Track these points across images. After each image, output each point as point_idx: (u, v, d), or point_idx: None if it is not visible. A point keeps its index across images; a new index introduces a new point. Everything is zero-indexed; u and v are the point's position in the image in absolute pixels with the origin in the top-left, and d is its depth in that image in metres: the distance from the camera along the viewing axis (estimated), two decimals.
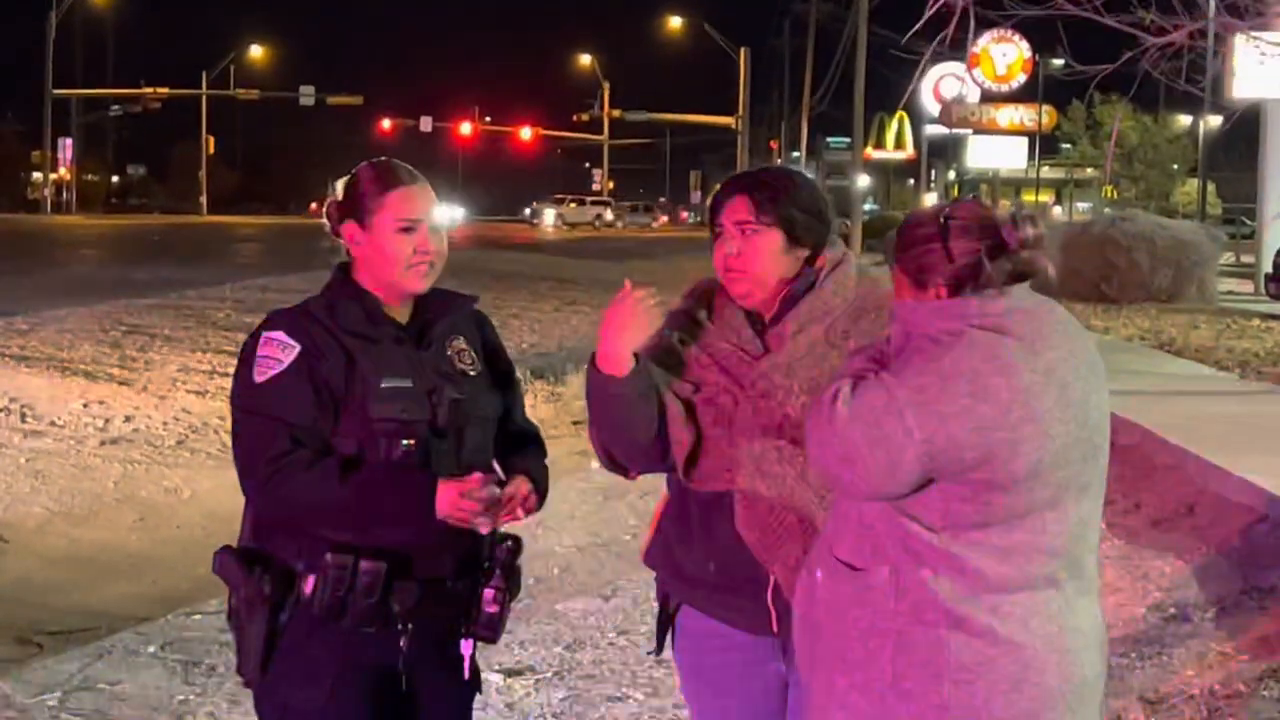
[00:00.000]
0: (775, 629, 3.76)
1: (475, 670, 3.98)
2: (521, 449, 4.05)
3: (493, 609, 3.89)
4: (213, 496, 11.79)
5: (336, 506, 3.64)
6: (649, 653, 4.36)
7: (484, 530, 3.78)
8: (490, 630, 3.92)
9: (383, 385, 3.72)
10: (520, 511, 3.85)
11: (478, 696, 4.08)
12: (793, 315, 3.77)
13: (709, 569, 3.82)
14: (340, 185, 3.95)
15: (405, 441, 3.73)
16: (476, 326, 4.05)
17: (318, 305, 3.82)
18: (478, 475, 3.75)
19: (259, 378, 3.69)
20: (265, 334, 3.74)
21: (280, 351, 3.69)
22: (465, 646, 3.92)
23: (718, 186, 4.00)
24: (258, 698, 3.87)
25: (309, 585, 3.69)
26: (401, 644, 3.78)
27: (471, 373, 3.92)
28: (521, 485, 3.87)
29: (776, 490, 3.68)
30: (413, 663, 3.82)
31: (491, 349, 4.06)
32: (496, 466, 3.91)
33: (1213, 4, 12.06)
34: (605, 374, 3.70)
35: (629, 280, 3.72)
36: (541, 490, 3.96)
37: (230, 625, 3.88)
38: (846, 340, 3.71)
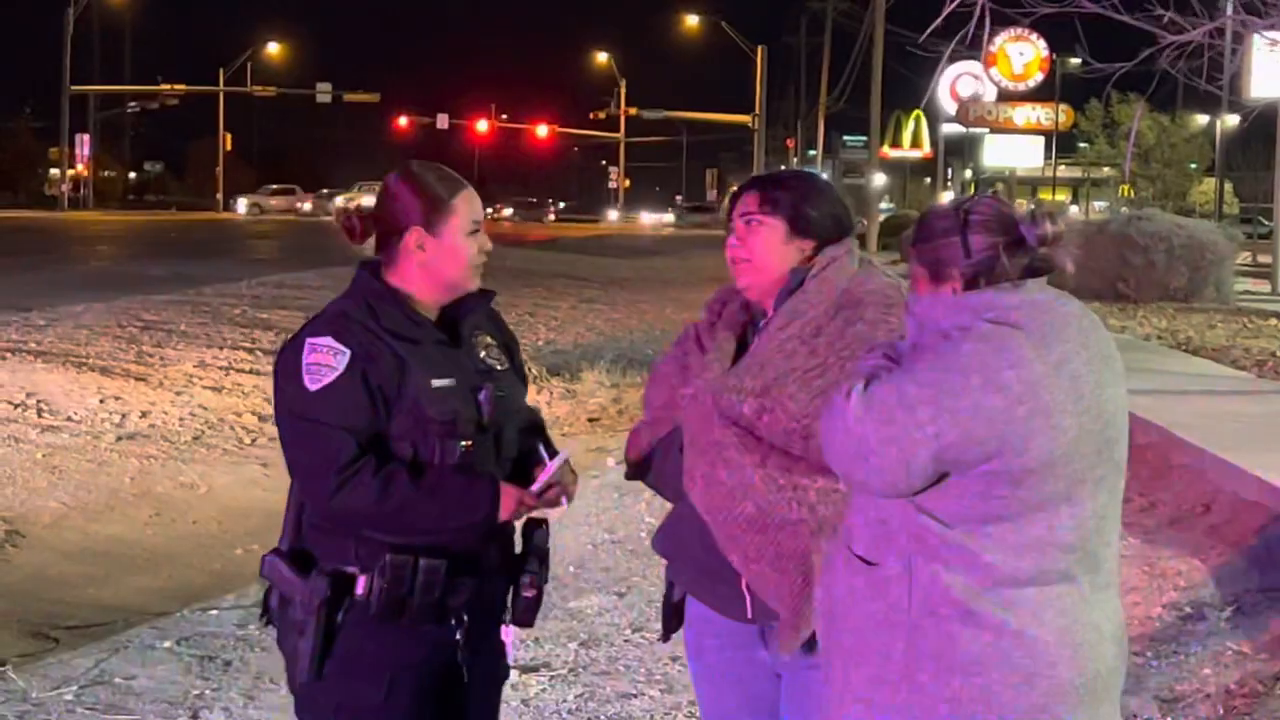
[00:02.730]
0: (750, 615, 3.79)
1: (512, 655, 4.06)
2: (541, 435, 4.08)
3: (530, 594, 3.95)
4: (228, 492, 11.83)
5: (406, 515, 3.68)
6: (647, 643, 4.40)
7: (555, 515, 3.94)
8: (529, 615, 3.98)
9: (433, 385, 3.74)
10: (565, 500, 3.94)
11: None
12: (779, 315, 3.80)
13: (696, 552, 3.86)
14: (375, 193, 3.96)
15: (462, 443, 3.76)
16: (493, 321, 4.07)
17: (354, 307, 3.81)
18: (537, 484, 3.87)
19: (313, 385, 3.67)
20: (310, 340, 3.73)
21: (331, 358, 3.69)
22: (506, 633, 3.98)
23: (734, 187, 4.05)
24: (305, 701, 3.85)
25: (361, 586, 3.71)
26: (457, 638, 3.82)
27: (500, 368, 3.96)
28: (568, 472, 3.96)
29: (736, 479, 3.70)
30: (466, 655, 3.86)
31: (511, 343, 4.10)
32: (542, 450, 3.96)
33: (1230, 3, 12.02)
34: None
35: None
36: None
37: (277, 628, 3.87)
38: (817, 336, 3.73)
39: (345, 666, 3.74)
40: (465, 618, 3.83)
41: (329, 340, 3.71)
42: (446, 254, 3.83)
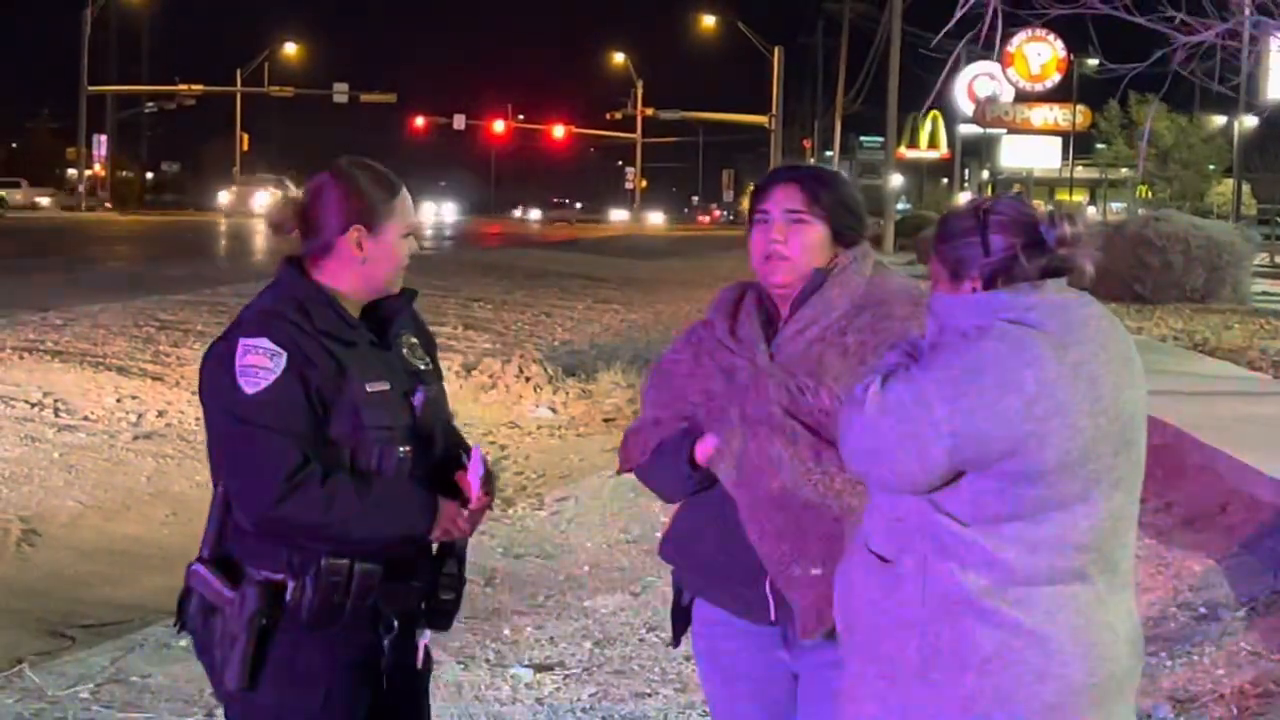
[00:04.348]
0: (773, 617, 3.77)
1: (428, 656, 3.97)
2: (459, 444, 4.03)
3: (448, 598, 3.90)
4: None
5: (348, 527, 3.61)
6: (661, 643, 4.39)
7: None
8: (445, 620, 3.93)
9: (368, 390, 3.67)
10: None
11: (506, 690, 4.11)
12: (796, 318, 3.79)
13: (711, 556, 3.85)
14: (302, 189, 3.87)
15: (401, 449, 3.71)
16: (414, 320, 4.00)
17: (286, 307, 3.71)
18: (475, 499, 3.81)
19: (250, 389, 3.57)
20: (244, 340, 3.63)
21: (268, 359, 3.59)
22: (422, 636, 3.91)
23: (762, 177, 3.99)
24: (239, 710, 3.78)
25: (290, 592, 3.64)
26: (385, 643, 3.77)
27: (424, 368, 3.90)
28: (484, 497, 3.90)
29: (765, 457, 3.69)
30: (390, 661, 3.82)
31: (430, 343, 4.03)
32: (464, 458, 3.88)
33: (1248, 5, 11.98)
34: (698, 467, 3.81)
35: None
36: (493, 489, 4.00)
37: (197, 638, 3.81)
38: (843, 335, 3.73)
39: (280, 675, 3.66)
40: (395, 624, 3.78)
41: (265, 341, 3.61)
42: (384, 255, 3.77)
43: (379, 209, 3.77)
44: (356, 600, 3.65)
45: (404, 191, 3.84)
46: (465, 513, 3.79)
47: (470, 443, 4.04)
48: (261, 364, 3.59)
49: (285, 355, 3.60)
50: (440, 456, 3.88)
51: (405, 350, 3.87)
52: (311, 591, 3.62)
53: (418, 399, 3.77)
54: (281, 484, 3.55)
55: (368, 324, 3.80)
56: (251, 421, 3.58)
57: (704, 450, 3.78)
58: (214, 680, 3.78)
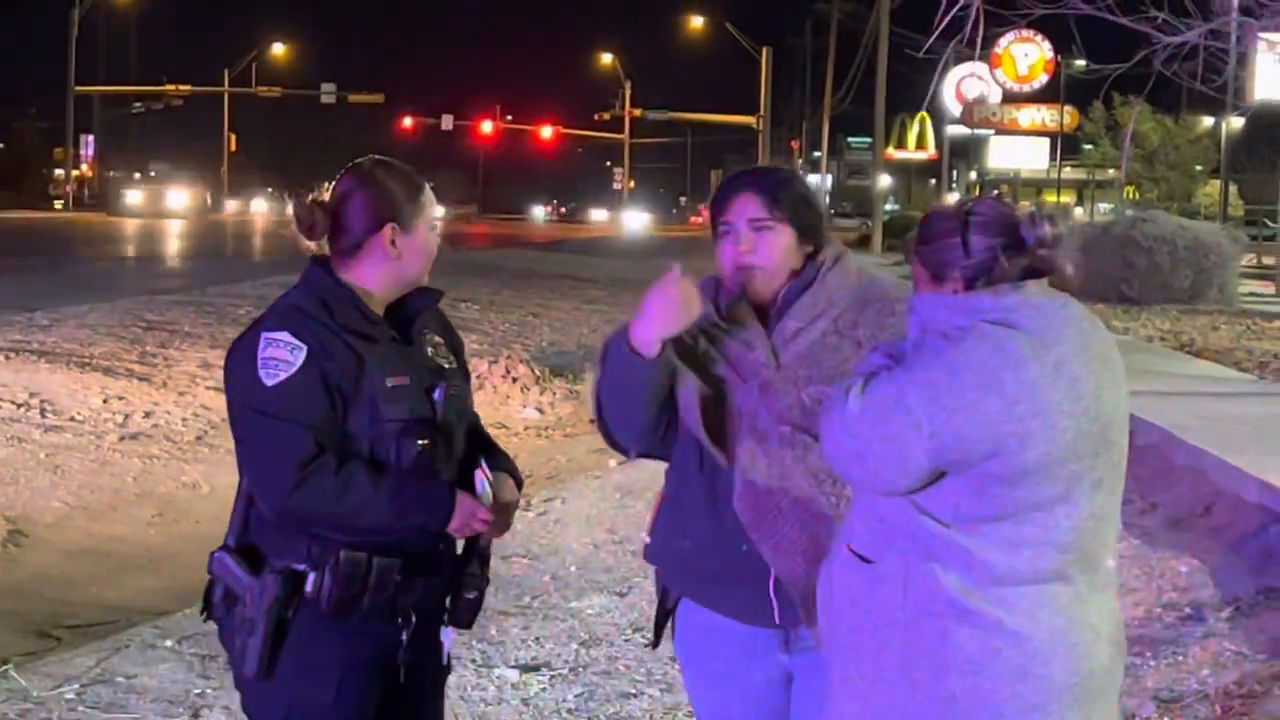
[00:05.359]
0: (778, 620, 3.77)
1: (449, 655, 4.03)
2: (487, 445, 4.07)
3: (471, 595, 3.94)
4: (230, 492, 11.60)
5: (363, 516, 3.65)
6: (647, 644, 4.38)
7: (493, 536, 3.92)
8: (469, 617, 3.97)
9: (389, 384, 3.72)
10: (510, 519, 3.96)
11: (492, 691, 4.12)
12: (795, 312, 3.78)
13: (704, 559, 3.84)
14: (331, 187, 3.90)
15: (420, 442, 3.75)
16: (440, 320, 4.06)
17: (309, 303, 3.78)
18: (493, 499, 3.84)
19: (270, 381, 3.64)
20: (266, 334, 3.70)
21: (288, 353, 3.66)
22: (445, 634, 3.96)
23: (718, 187, 3.99)
24: (254, 698, 3.83)
25: (310, 583, 3.69)
26: (403, 637, 3.81)
27: (447, 366, 3.95)
28: (513, 490, 3.97)
29: (775, 471, 3.69)
30: (407, 656, 3.84)
31: (456, 343, 4.09)
32: (484, 465, 3.91)
33: (1236, 5, 11.99)
34: (635, 353, 3.73)
35: (677, 265, 3.74)
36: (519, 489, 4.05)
37: (221, 625, 3.85)
38: (855, 329, 3.74)
39: (296, 666, 3.71)
40: (413, 618, 3.81)
41: (286, 335, 3.68)
42: (416, 250, 3.85)
43: (409, 206, 3.84)
44: (375, 593, 3.70)
45: (427, 186, 3.92)
46: (484, 510, 3.81)
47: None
48: (281, 357, 3.66)
49: (305, 349, 3.67)
50: (463, 453, 3.93)
51: (429, 348, 3.93)
52: (330, 583, 3.68)
53: (438, 394, 3.83)
54: (295, 472, 3.62)
55: (390, 321, 3.86)
56: (269, 412, 3.66)
57: (641, 334, 3.73)
58: (233, 667, 3.83)
